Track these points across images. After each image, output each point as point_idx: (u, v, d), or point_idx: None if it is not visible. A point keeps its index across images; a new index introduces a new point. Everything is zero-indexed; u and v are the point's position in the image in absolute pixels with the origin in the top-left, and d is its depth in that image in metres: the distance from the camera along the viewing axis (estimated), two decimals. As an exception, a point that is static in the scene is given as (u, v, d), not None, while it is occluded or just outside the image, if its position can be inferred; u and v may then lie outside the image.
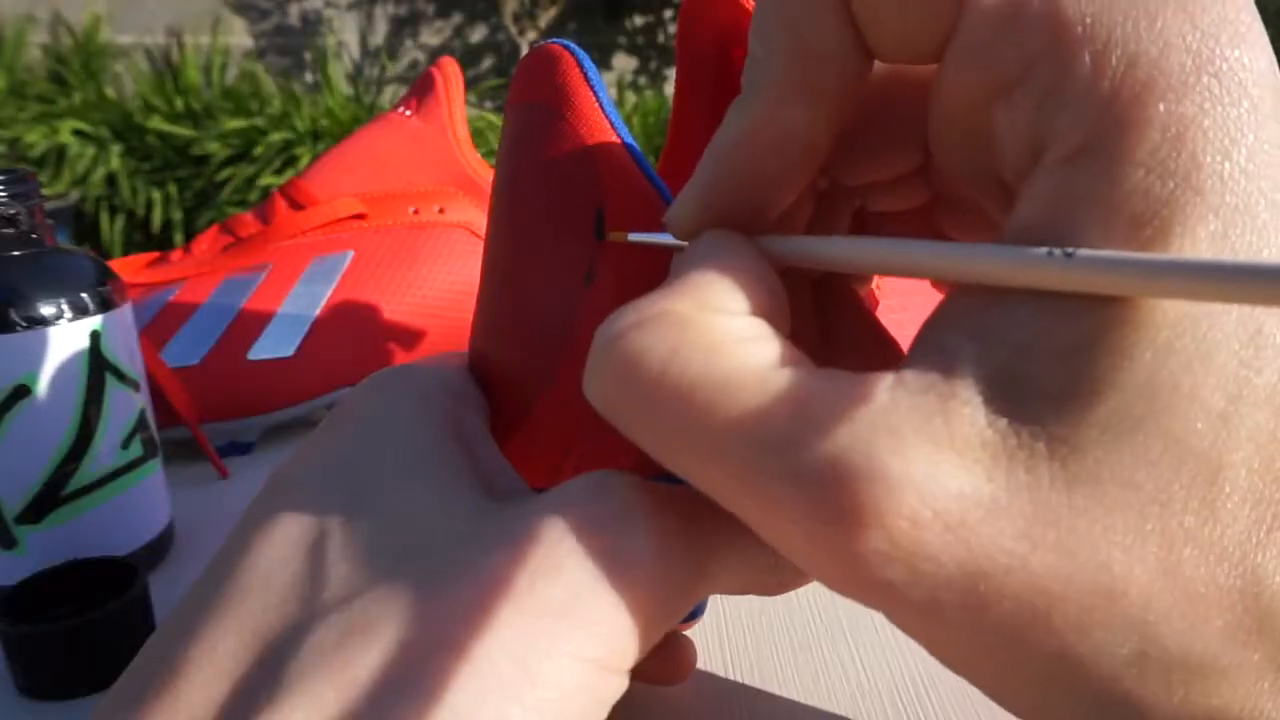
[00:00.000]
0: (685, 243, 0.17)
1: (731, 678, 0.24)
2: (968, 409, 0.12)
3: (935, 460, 0.11)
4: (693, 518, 0.16)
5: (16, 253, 0.27)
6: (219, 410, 0.39)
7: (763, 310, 0.14)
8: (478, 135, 2.25)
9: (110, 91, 2.29)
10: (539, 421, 0.21)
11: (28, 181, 0.27)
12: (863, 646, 0.25)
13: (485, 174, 0.44)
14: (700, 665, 0.24)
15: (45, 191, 0.33)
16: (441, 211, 0.43)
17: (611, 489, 0.16)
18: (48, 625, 0.23)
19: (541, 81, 0.20)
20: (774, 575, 0.17)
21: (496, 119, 2.43)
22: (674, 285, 0.14)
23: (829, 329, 0.19)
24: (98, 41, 2.31)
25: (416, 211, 0.43)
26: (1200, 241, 0.11)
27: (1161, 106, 0.12)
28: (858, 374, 0.13)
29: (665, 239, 0.18)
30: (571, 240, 0.20)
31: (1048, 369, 0.12)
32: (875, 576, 0.12)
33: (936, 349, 0.13)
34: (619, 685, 0.15)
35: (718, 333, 0.13)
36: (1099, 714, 0.12)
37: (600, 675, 0.14)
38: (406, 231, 0.42)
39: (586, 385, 0.14)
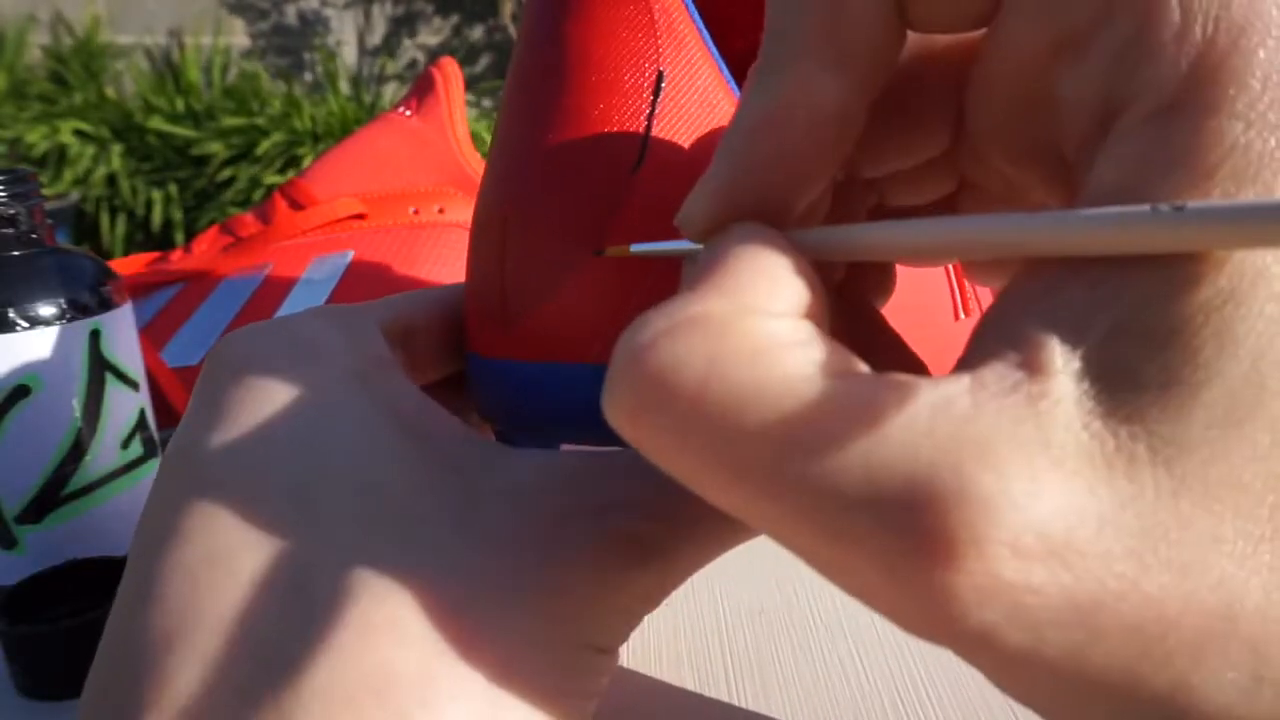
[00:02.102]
0: (698, 246, 0.15)
1: (731, 677, 0.24)
2: (1060, 410, 0.10)
3: (1033, 474, 0.10)
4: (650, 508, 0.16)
5: (16, 253, 0.27)
6: (219, 410, 0.39)
7: (805, 310, 0.12)
8: (478, 135, 2.25)
9: (111, 92, 2.29)
10: (570, 295, 0.19)
11: (28, 181, 0.27)
12: (863, 646, 0.25)
13: (485, 174, 0.44)
14: (700, 665, 0.24)
15: (45, 191, 0.34)
16: (441, 211, 0.43)
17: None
18: (48, 625, 0.23)
19: None
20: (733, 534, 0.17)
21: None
22: (704, 284, 0.12)
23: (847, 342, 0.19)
24: (98, 42, 2.31)
25: (416, 211, 0.43)
26: None
27: (1261, 54, 0.11)
28: (927, 377, 0.11)
29: (674, 246, 0.16)
30: (627, 101, 0.18)
31: (1145, 356, 0.10)
32: (970, 617, 0.10)
33: (1009, 340, 0.11)
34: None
35: (762, 338, 0.11)
36: None
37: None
38: (406, 231, 0.42)
39: (607, 404, 0.12)
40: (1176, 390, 0.10)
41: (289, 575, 0.14)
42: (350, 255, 0.42)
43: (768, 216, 0.14)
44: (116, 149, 2.12)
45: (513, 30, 2.42)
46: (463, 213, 0.43)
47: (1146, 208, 0.10)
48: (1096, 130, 0.12)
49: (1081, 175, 0.12)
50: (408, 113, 0.44)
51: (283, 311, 0.40)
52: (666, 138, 0.19)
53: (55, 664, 0.24)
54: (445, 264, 0.42)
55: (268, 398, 0.16)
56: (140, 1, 2.39)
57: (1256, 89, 0.10)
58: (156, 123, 2.13)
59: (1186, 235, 0.10)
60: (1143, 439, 0.10)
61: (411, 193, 0.43)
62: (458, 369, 0.22)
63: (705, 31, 0.19)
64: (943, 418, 0.10)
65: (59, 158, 2.08)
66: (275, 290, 0.41)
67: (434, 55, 2.57)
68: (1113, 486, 0.10)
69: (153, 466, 0.30)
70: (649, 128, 0.18)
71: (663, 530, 0.16)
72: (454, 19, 2.58)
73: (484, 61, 2.59)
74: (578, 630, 0.15)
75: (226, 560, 0.15)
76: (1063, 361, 0.11)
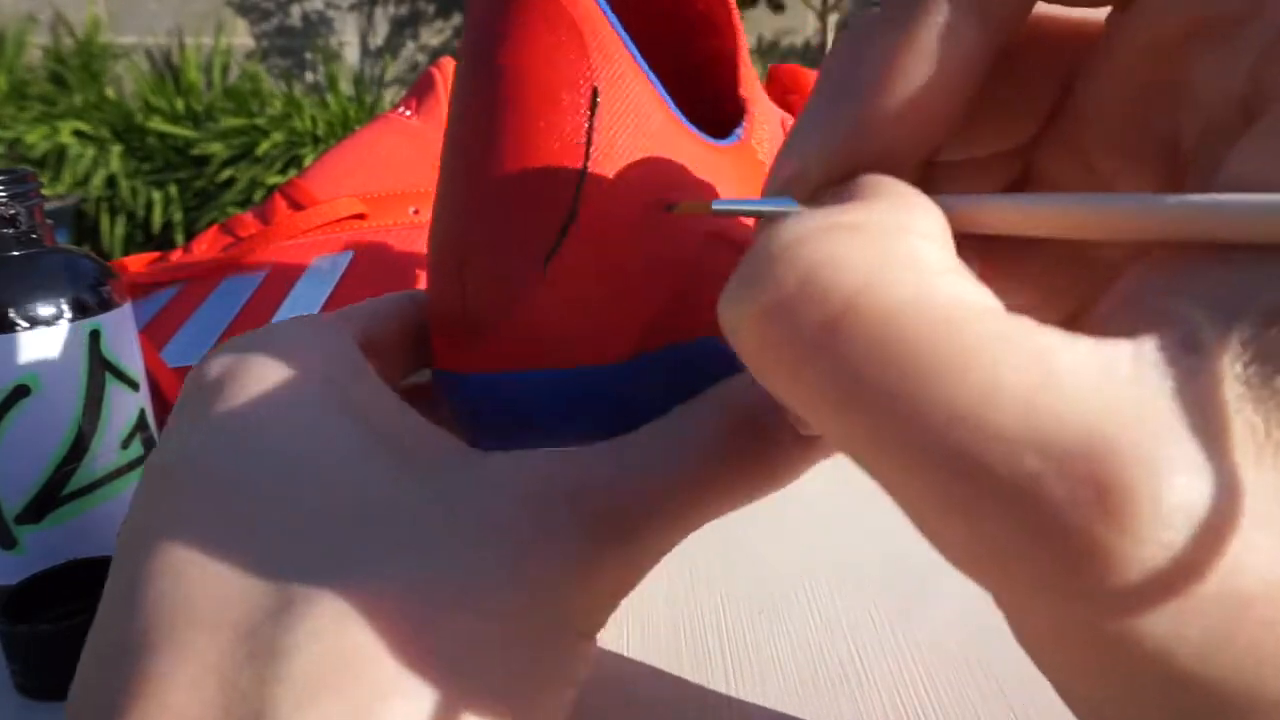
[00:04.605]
0: (792, 206, 0.13)
1: (731, 677, 0.24)
2: (1219, 390, 0.10)
3: (1200, 452, 0.09)
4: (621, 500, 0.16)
5: (16, 253, 0.27)
6: (219, 410, 0.39)
7: (949, 244, 0.11)
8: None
9: (111, 92, 2.29)
10: (532, 306, 0.19)
11: (28, 181, 0.27)
12: (863, 647, 0.25)
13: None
14: (699, 665, 0.24)
15: (45, 192, 0.33)
16: (442, 211, 0.43)
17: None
18: (48, 625, 0.23)
19: None
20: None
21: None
22: (855, 194, 0.11)
23: None
24: (98, 42, 2.31)
25: (417, 211, 0.43)
26: None
27: None
28: (1087, 335, 0.10)
29: (764, 205, 0.14)
30: (567, 118, 0.19)
31: None
32: (1117, 582, 0.09)
33: (1162, 318, 0.10)
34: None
35: (928, 258, 0.10)
36: None
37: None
38: (406, 231, 0.42)
39: (731, 302, 0.11)
40: None
41: (268, 572, 0.15)
42: (350, 255, 0.41)
43: (890, 171, 0.13)
44: (116, 150, 2.12)
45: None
46: (463, 213, 0.43)
47: None
48: (1236, 120, 0.11)
49: (1203, 166, 0.12)
50: (408, 113, 0.44)
51: (283, 311, 0.40)
52: (607, 149, 0.19)
53: (55, 664, 0.24)
54: (445, 264, 0.42)
55: (248, 405, 0.17)
56: (141, 2, 2.39)
57: None
58: (156, 123, 2.13)
59: None
60: None
61: (411, 193, 0.43)
62: (424, 374, 0.23)
63: (632, 45, 0.20)
64: (1110, 375, 0.09)
65: (58, 158, 2.08)
66: (275, 290, 0.41)
67: (436, 56, 2.57)
68: (1261, 473, 0.09)
69: (153, 466, 0.30)
70: (590, 141, 0.19)
71: (635, 506, 0.16)
72: (455, 19, 2.58)
73: (484, 62, 2.58)
74: (557, 615, 0.15)
75: (206, 561, 0.15)
76: (1219, 342, 0.10)
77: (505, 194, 0.19)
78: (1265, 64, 0.11)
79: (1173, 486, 0.09)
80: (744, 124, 0.24)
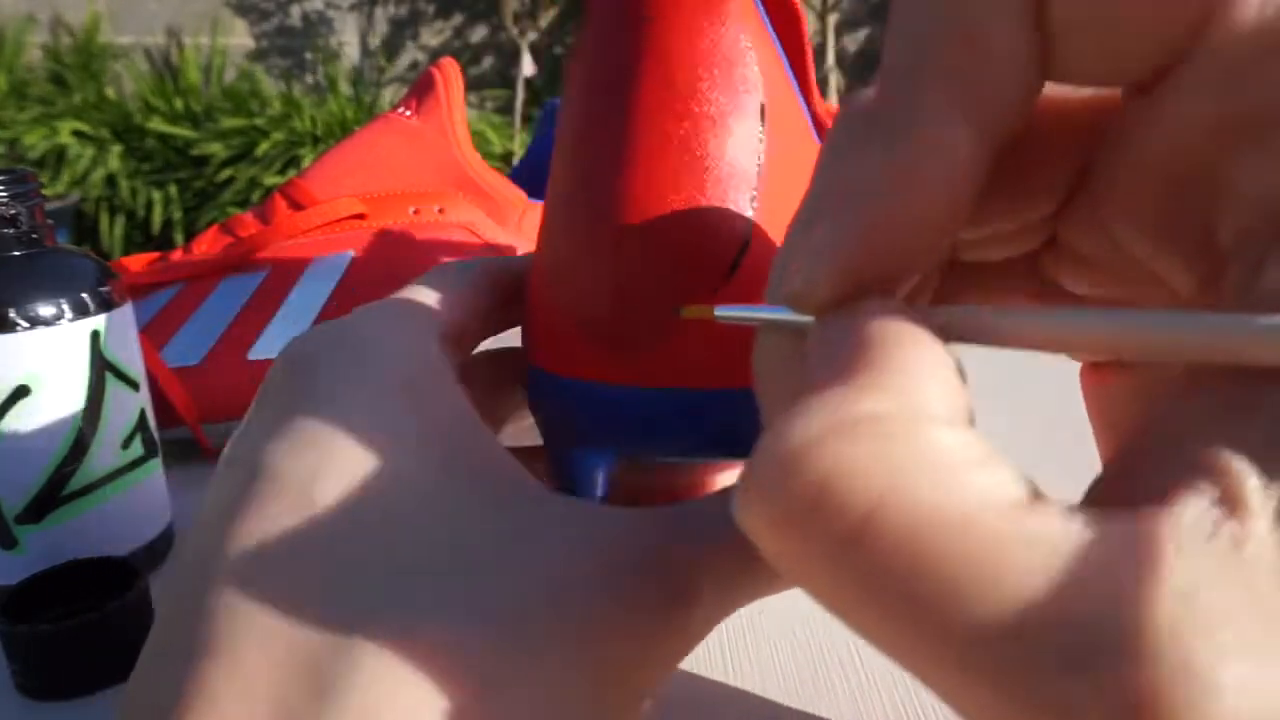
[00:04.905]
0: (800, 317, 0.13)
1: (731, 677, 0.24)
2: (1265, 558, 0.09)
3: (1246, 640, 0.08)
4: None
5: (16, 253, 0.27)
6: (219, 410, 0.39)
7: (964, 415, 0.11)
8: (478, 135, 2.25)
9: (110, 92, 2.29)
10: (693, 330, 0.19)
11: (28, 182, 0.27)
12: (863, 646, 0.25)
13: (485, 174, 0.44)
14: (699, 665, 0.24)
15: (45, 192, 0.33)
16: (441, 211, 0.43)
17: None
18: (48, 625, 0.23)
19: None
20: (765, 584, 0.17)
21: (497, 119, 2.43)
22: (862, 377, 0.10)
23: None
24: (97, 42, 2.31)
25: (417, 212, 0.43)
26: None
27: None
28: (1119, 511, 0.09)
29: (768, 314, 0.14)
30: (741, 139, 0.19)
31: None
32: None
33: (1196, 466, 0.09)
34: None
35: (944, 453, 0.10)
36: None
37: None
38: (406, 231, 0.42)
39: (743, 507, 0.10)
40: None
41: (334, 592, 0.14)
42: (350, 255, 0.42)
43: (893, 285, 0.13)
44: (116, 150, 2.12)
45: (514, 31, 2.42)
46: (463, 213, 0.43)
47: None
48: (1270, 225, 0.11)
49: (1247, 261, 0.11)
50: (408, 113, 0.44)
51: (283, 312, 0.40)
52: (772, 170, 0.19)
53: (55, 664, 0.24)
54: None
55: (324, 408, 0.17)
56: (140, 2, 2.39)
57: None
58: (156, 123, 2.13)
59: None
60: None
61: (411, 193, 0.43)
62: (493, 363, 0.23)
63: (785, 57, 0.20)
64: (1148, 571, 0.09)
65: (58, 158, 2.08)
66: (275, 290, 0.41)
67: (435, 56, 2.57)
68: None
69: (153, 466, 0.30)
70: (761, 162, 0.19)
71: (696, 573, 0.16)
72: (455, 20, 2.58)
73: (485, 62, 2.59)
74: (621, 684, 0.15)
75: (273, 570, 0.15)
76: (1262, 497, 0.09)
77: (683, 219, 0.18)
78: None
79: (1221, 697, 0.08)
80: None
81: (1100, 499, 0.10)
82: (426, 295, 0.20)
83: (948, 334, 0.12)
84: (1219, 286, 0.11)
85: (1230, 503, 0.09)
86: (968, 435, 0.10)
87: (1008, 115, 0.12)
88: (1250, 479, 0.09)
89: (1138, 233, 0.13)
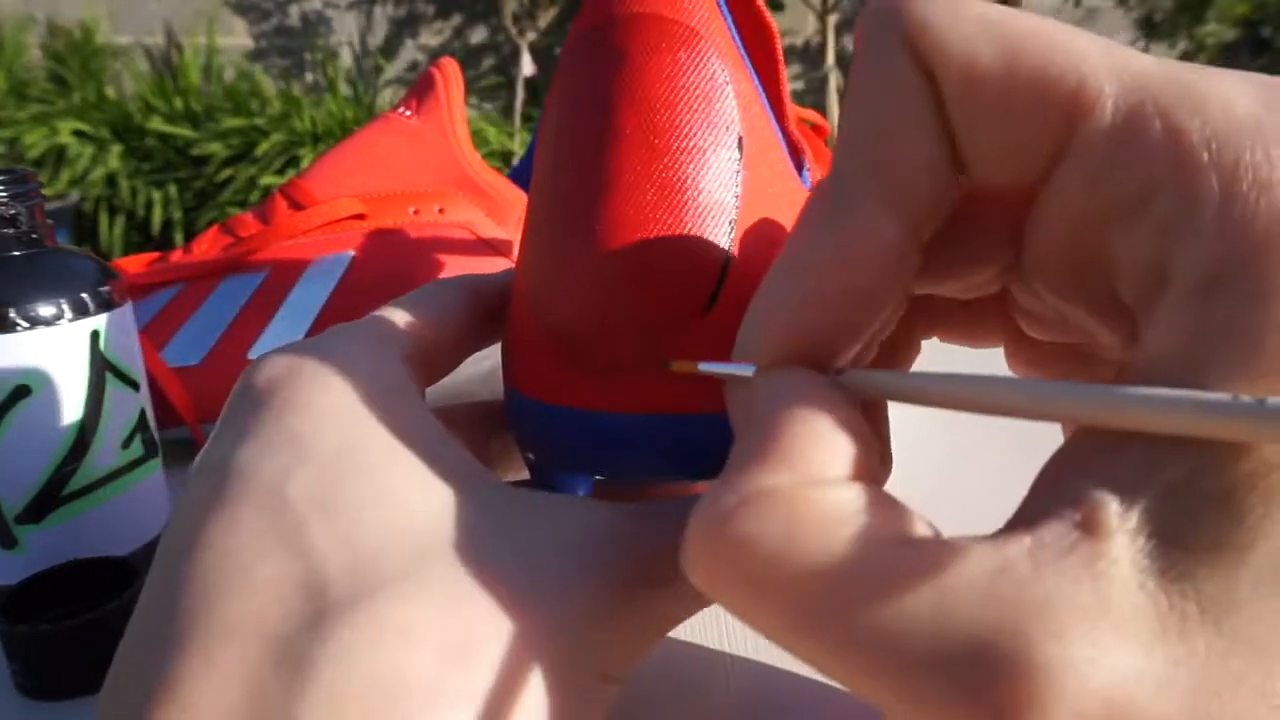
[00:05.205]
0: (750, 371, 0.15)
1: (732, 677, 0.24)
2: (1117, 570, 0.11)
3: (1094, 638, 0.10)
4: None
5: (16, 253, 0.27)
6: (219, 410, 0.39)
7: (861, 469, 0.13)
8: (478, 135, 2.25)
9: (110, 92, 2.29)
10: (681, 354, 0.19)
11: (28, 181, 0.27)
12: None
13: (485, 174, 0.44)
14: (700, 665, 0.24)
15: (45, 191, 0.33)
16: (441, 211, 0.43)
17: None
18: (48, 625, 0.23)
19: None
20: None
21: (497, 119, 2.43)
22: (767, 454, 0.13)
23: None
24: (97, 42, 2.31)
25: (417, 212, 0.43)
26: None
27: None
28: (990, 537, 0.11)
29: (740, 368, 0.16)
30: (719, 163, 0.19)
31: (1195, 518, 0.11)
32: None
33: (1067, 498, 0.11)
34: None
35: (829, 511, 0.12)
36: None
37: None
38: (406, 232, 0.42)
39: (688, 565, 0.13)
40: (1224, 551, 0.11)
41: (305, 580, 0.15)
42: (350, 255, 0.42)
43: (833, 348, 0.15)
44: (115, 149, 2.12)
45: (513, 31, 2.42)
46: (463, 212, 0.43)
47: (1227, 397, 0.10)
48: (1153, 291, 0.12)
49: (1142, 323, 0.13)
50: (408, 113, 0.44)
51: (283, 312, 0.40)
52: (750, 196, 0.19)
53: (55, 664, 0.24)
54: (445, 264, 0.42)
55: (295, 413, 0.17)
56: (139, 2, 2.39)
57: None
58: (156, 123, 2.13)
59: (1263, 428, 0.10)
60: (1193, 598, 0.10)
61: (411, 193, 0.43)
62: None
63: (758, 80, 0.20)
64: (1004, 581, 0.11)
65: (58, 158, 2.08)
66: (275, 290, 0.41)
67: (435, 56, 2.57)
68: (1167, 646, 0.10)
69: (153, 466, 0.30)
70: (739, 188, 0.19)
71: (656, 560, 0.17)
72: (455, 20, 2.58)
73: (485, 63, 2.59)
74: (590, 655, 0.16)
75: (244, 566, 0.15)
76: (1118, 521, 0.11)
77: (662, 250, 0.19)
78: (1160, 247, 0.12)
79: (1063, 693, 0.10)
80: (806, 165, 0.24)
81: (998, 534, 0.12)
82: (397, 316, 0.21)
83: (871, 392, 0.14)
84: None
85: (1088, 525, 0.11)
86: (849, 490, 0.12)
87: (928, 205, 0.14)
88: (1111, 505, 0.11)
89: (1061, 298, 0.15)
